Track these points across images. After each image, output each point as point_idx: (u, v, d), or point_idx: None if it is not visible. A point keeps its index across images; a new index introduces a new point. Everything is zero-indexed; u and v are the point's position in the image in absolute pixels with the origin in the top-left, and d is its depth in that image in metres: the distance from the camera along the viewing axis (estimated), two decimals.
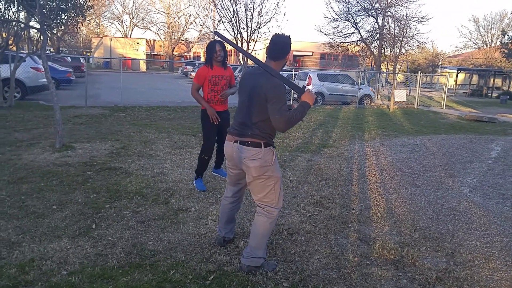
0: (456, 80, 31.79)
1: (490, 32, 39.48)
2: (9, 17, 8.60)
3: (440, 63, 42.29)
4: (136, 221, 3.21)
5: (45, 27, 5.68)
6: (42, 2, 5.63)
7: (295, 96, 2.73)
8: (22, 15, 9.26)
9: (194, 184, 4.12)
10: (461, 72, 32.99)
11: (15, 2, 6.29)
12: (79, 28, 8.62)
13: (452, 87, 30.89)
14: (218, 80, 3.89)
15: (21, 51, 11.22)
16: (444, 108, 16.74)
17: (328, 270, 2.62)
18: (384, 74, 27.14)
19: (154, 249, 2.76)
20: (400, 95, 15.69)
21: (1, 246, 2.68)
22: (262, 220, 2.47)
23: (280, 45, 2.43)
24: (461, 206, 4.03)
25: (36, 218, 3.14)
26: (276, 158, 2.47)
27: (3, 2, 7.03)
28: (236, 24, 10.95)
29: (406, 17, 22.14)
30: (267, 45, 2.49)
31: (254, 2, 10.76)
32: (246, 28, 10.96)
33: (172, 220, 3.27)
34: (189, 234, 3.03)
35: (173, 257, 2.66)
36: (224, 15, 11.13)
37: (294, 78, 15.80)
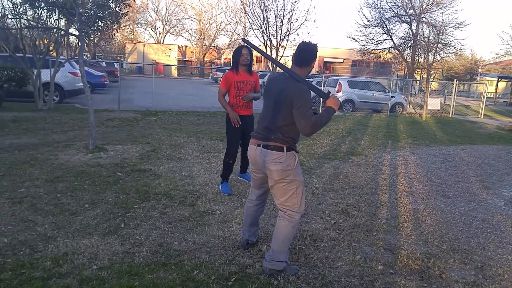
0: (496, 89, 30.39)
1: None
2: (51, 25, 9.12)
3: (480, 70, 40.61)
4: (163, 221, 3.31)
5: (83, 34, 6.00)
6: (81, 10, 5.94)
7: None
8: (62, 22, 9.80)
9: (220, 188, 4.19)
10: (502, 80, 31.50)
11: (56, 11, 6.67)
12: (114, 34, 8.98)
13: (491, 96, 29.55)
14: (244, 85, 3.96)
15: (61, 57, 11.83)
16: (481, 117, 16.04)
17: (351, 277, 2.59)
18: (417, 82, 26.40)
19: (180, 249, 2.84)
20: (434, 103, 15.22)
21: (38, 240, 2.85)
22: (284, 224, 2.49)
23: (306, 53, 2.47)
24: (494, 219, 3.86)
25: (70, 215, 3.31)
26: (298, 162, 2.49)
27: (45, 11, 7.47)
28: (266, 31, 11.11)
29: (442, 23, 21.51)
30: (294, 51, 2.53)
31: (284, 9, 10.87)
32: (275, 35, 11.07)
33: (197, 221, 3.34)
34: (213, 236, 3.09)
35: (197, 258, 2.72)
36: (254, 21, 11.32)
37: (324, 85, 15.70)
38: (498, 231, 3.57)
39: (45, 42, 10.10)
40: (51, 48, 10.09)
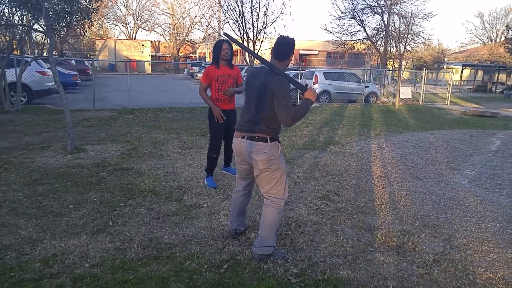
0: (461, 76, 31.66)
1: (495, 28, 39.29)
2: (15, 22, 8.73)
3: (446, 59, 42.11)
4: (151, 217, 3.36)
5: (51, 30, 5.81)
6: (47, 5, 5.73)
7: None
8: (25, 18, 9.35)
9: (205, 182, 4.27)
10: (466, 68, 32.84)
11: (21, 7, 6.38)
12: (86, 31, 8.72)
13: (457, 83, 30.78)
14: (225, 79, 4.01)
15: (26, 55, 11.32)
16: (448, 104, 16.76)
17: (334, 257, 2.76)
18: (390, 71, 27.13)
19: (170, 242, 2.91)
20: (406, 92, 15.75)
21: (23, 243, 2.83)
22: (270, 211, 2.63)
23: (285, 46, 2.59)
24: (459, 196, 4.20)
25: (55, 217, 3.30)
26: (281, 152, 2.63)
27: (9, 7, 7.14)
28: (242, 24, 11.11)
29: (411, 14, 22.15)
30: (273, 45, 2.64)
31: (259, 2, 10.91)
32: (252, 28, 11.10)
33: (185, 215, 3.42)
34: (202, 228, 3.18)
35: (189, 249, 2.81)
36: (230, 15, 11.30)
37: (300, 77, 15.91)
38: (462, 206, 3.90)
39: (7, 39, 9.58)
40: (14, 46, 9.60)
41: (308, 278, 2.49)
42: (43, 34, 7.50)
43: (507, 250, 2.97)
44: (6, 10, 8.07)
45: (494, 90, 28.02)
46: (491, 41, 39.18)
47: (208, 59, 40.80)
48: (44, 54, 10.51)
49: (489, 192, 4.37)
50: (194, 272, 2.50)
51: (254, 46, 11.21)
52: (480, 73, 32.05)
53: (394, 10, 22.44)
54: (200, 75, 24.09)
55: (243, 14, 10.91)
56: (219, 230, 3.15)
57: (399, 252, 2.86)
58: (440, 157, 6.00)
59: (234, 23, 11.17)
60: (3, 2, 6.45)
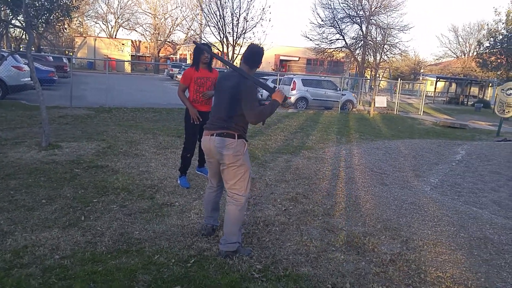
0: (435, 88, 32.88)
1: (468, 42, 40.91)
2: None
3: (422, 70, 43.55)
4: (123, 214, 3.44)
5: (30, 26, 5.79)
6: (27, 1, 5.72)
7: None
8: (3, 13, 9.20)
9: (179, 182, 4.37)
10: (440, 80, 34.14)
11: (0, 2, 6.34)
12: (66, 28, 8.68)
13: (431, 95, 31.94)
14: (204, 82, 4.14)
15: (2, 49, 11.12)
16: (421, 114, 17.41)
17: (298, 255, 2.93)
18: (368, 80, 27.91)
19: (140, 237, 3.01)
20: (381, 101, 16.26)
21: None
22: (232, 208, 2.81)
23: (255, 56, 2.84)
24: (421, 201, 4.46)
25: (27, 211, 3.33)
26: (247, 150, 2.82)
27: None
28: (222, 29, 11.27)
29: (387, 25, 22.95)
30: (244, 52, 2.88)
31: (240, 8, 11.11)
32: (232, 33, 11.28)
33: (157, 213, 3.52)
34: (173, 225, 3.29)
35: (158, 245, 2.91)
36: (211, 19, 11.44)
37: (279, 83, 16.18)
38: (422, 211, 4.14)
39: None
40: None
41: (271, 273, 2.65)
42: (21, 29, 7.41)
43: (458, 252, 3.21)
44: None
45: (466, 102, 29.26)
46: (464, 55, 40.82)
47: (188, 61, 40.62)
48: (21, 49, 10.32)
49: (448, 199, 4.67)
50: (161, 266, 2.61)
51: (233, 50, 11.38)
52: (453, 85, 33.38)
53: (372, 20, 23.21)
54: (180, 76, 23.97)
55: (223, 19, 11.09)
56: (189, 227, 3.26)
57: (359, 252, 3.05)
58: (407, 164, 6.31)
59: (214, 27, 11.32)
60: None
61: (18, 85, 10.99)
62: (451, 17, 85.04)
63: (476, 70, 34.22)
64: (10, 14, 7.97)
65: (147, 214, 3.48)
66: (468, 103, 29.09)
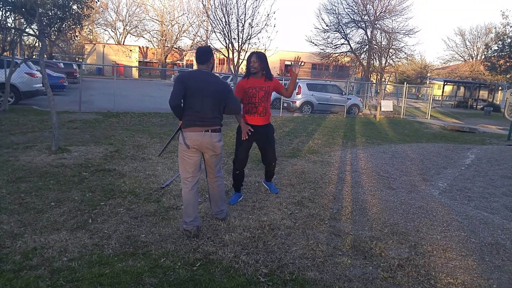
0: (442, 92, 32.66)
1: (476, 46, 40.60)
2: (8, 25, 8.81)
3: (429, 74, 43.29)
4: (130, 217, 3.47)
5: (44, 34, 5.95)
6: (41, 11, 5.88)
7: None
8: (18, 22, 9.46)
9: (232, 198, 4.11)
10: (448, 84, 33.91)
11: (15, 11, 6.52)
12: (77, 36, 8.88)
13: (439, 98, 31.71)
14: (256, 92, 3.88)
15: (16, 57, 11.40)
16: (429, 118, 17.29)
17: (304, 259, 2.92)
18: (373, 84, 27.82)
19: (147, 240, 3.03)
20: (387, 105, 16.20)
21: (4, 237, 2.93)
22: (222, 183, 3.49)
23: (203, 54, 3.25)
24: (429, 206, 4.40)
25: (36, 213, 3.39)
26: None
27: (3, 11, 7.24)
28: (228, 35, 11.32)
29: (392, 30, 22.91)
30: (195, 54, 3.30)
31: (245, 14, 11.15)
32: (237, 39, 11.32)
33: (163, 216, 3.54)
34: (178, 228, 3.30)
35: (164, 248, 2.93)
36: (216, 25, 11.50)
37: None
38: (430, 215, 4.08)
39: None
40: (6, 48, 9.70)
41: (277, 278, 2.64)
42: (34, 37, 7.60)
43: (469, 257, 3.14)
44: (0, 13, 8.14)
45: (475, 106, 28.98)
46: (472, 58, 40.48)
47: (195, 66, 40.79)
48: (34, 56, 10.56)
49: (458, 203, 4.58)
50: (167, 269, 2.63)
51: (239, 56, 11.43)
52: (462, 89, 33.11)
53: (377, 25, 23.20)
54: None
55: (229, 25, 11.13)
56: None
57: (366, 257, 3.02)
58: (414, 168, 6.26)
59: (220, 33, 11.38)
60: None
61: (30, 91, 11.31)
62: (457, 21, 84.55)
63: (485, 74, 33.93)
64: (24, 23, 8.17)
65: (153, 217, 3.50)
66: (478, 106, 28.80)
